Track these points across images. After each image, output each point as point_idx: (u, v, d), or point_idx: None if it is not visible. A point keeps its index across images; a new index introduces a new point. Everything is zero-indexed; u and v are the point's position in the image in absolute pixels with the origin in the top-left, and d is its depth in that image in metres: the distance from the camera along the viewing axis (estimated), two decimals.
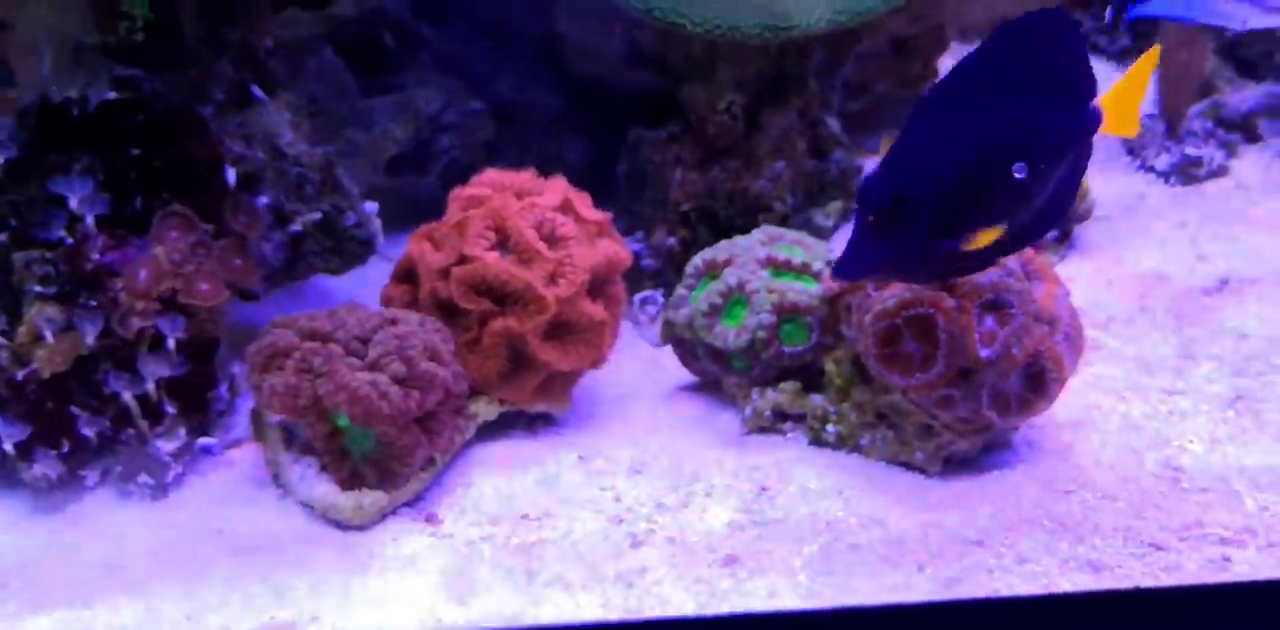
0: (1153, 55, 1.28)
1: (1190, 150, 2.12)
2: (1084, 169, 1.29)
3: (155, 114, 1.40)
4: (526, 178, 1.51)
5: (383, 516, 1.39)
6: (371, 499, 1.37)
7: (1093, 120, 1.24)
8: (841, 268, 1.17)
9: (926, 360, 1.36)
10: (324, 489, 1.38)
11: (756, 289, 1.48)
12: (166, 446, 1.42)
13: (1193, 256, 1.92)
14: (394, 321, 1.39)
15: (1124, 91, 1.26)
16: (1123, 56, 2.52)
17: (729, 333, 1.49)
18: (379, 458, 1.37)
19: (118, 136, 1.41)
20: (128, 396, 1.39)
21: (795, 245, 1.55)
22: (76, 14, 1.30)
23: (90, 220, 1.39)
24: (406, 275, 1.49)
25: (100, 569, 1.31)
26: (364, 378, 1.33)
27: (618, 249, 1.50)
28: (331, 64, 1.71)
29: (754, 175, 1.75)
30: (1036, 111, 1.19)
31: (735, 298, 1.50)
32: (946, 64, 2.29)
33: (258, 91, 1.49)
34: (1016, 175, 1.17)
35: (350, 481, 1.38)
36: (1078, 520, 1.35)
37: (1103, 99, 1.24)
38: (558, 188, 1.50)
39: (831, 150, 1.87)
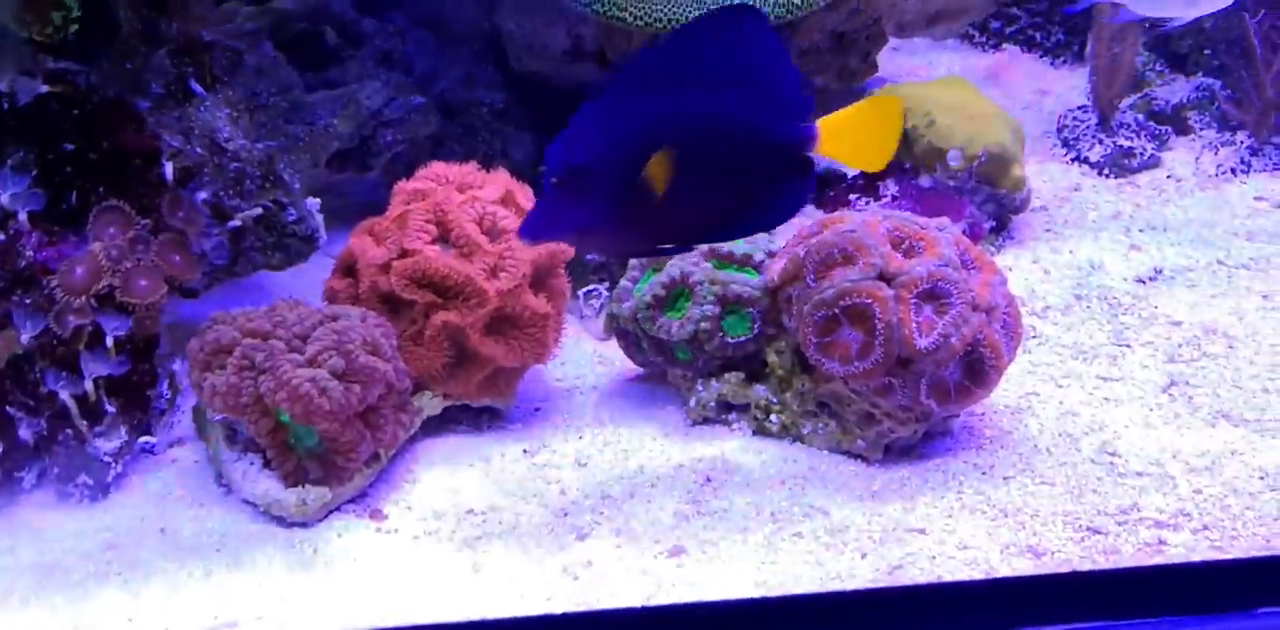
0: (890, 101, 1.26)
1: (1123, 142, 2.15)
2: (808, 186, 1.26)
3: (90, 108, 1.39)
4: (469, 171, 1.51)
5: (327, 512, 1.38)
6: (315, 495, 1.36)
7: (800, 137, 1.21)
8: (525, 228, 1.17)
9: (865, 349, 1.38)
10: (267, 485, 1.37)
11: (699, 280, 1.49)
12: (106, 446, 1.40)
13: (1127, 246, 1.95)
14: (334, 317, 1.39)
15: (845, 120, 1.23)
16: (1058, 50, 2.56)
17: (673, 324, 1.50)
18: (322, 453, 1.36)
19: (51, 131, 1.39)
20: (65, 396, 1.37)
21: None
22: (6, 5, 1.28)
23: (23, 216, 1.37)
24: (349, 269, 1.48)
25: (38, 572, 1.29)
26: (305, 374, 1.32)
27: None
28: (272, 58, 1.69)
29: None
30: (728, 108, 1.18)
31: (678, 289, 1.51)
32: (888, 65, 2.32)
33: (196, 86, 1.48)
34: (700, 165, 1.18)
35: (294, 477, 1.37)
36: (1018, 506, 1.37)
37: (824, 120, 1.21)
38: (499, 181, 1.50)
39: None
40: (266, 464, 1.39)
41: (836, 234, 1.41)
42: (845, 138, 1.23)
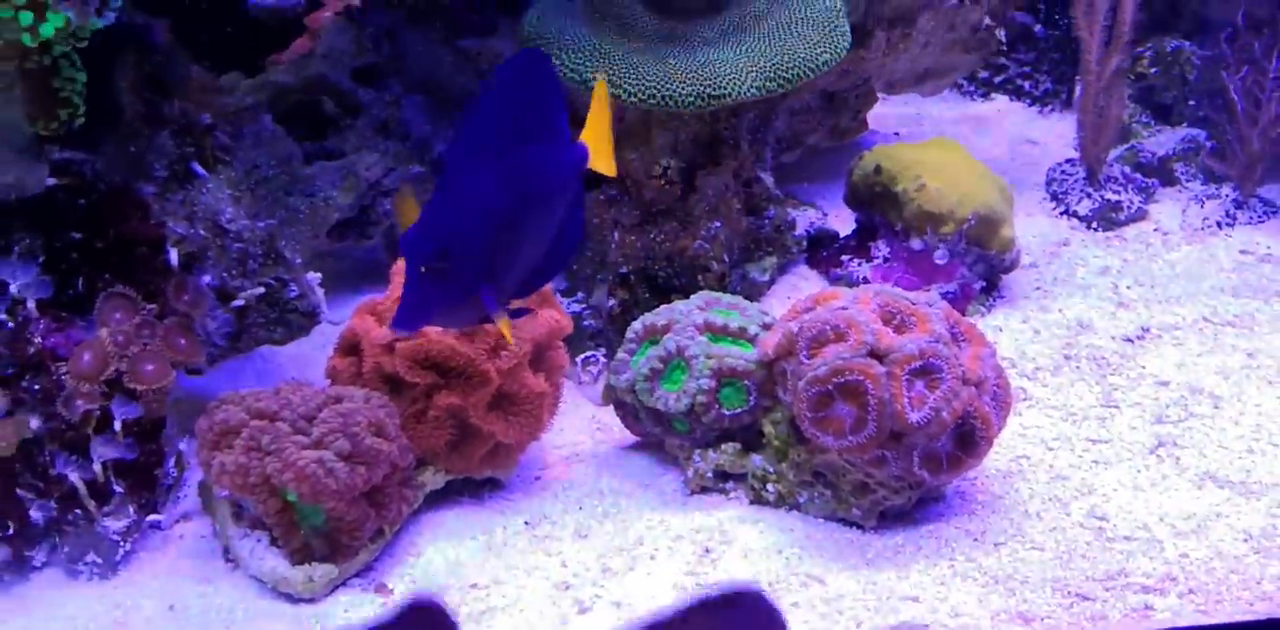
0: (601, 88, 1.32)
1: (1110, 195, 2.18)
2: (582, 203, 1.35)
3: (96, 197, 1.42)
4: None
5: (333, 588, 1.41)
6: (322, 572, 1.39)
7: (579, 157, 1.30)
8: (401, 320, 1.21)
9: (858, 423, 1.40)
10: (274, 563, 1.40)
11: (695, 354, 1.52)
12: (115, 525, 1.43)
13: (1114, 304, 1.98)
14: (339, 399, 1.41)
15: (596, 128, 1.31)
16: (1045, 98, 2.60)
17: (670, 397, 1.53)
18: (328, 532, 1.39)
19: (58, 219, 1.42)
20: (75, 478, 1.39)
21: (732, 310, 1.59)
22: (15, 104, 1.31)
23: (32, 304, 1.40)
24: (351, 348, 1.51)
25: None
26: (311, 455, 1.35)
27: (559, 318, 1.53)
28: (271, 131, 1.72)
29: (691, 236, 1.79)
30: (539, 153, 1.25)
31: (675, 363, 1.54)
32: (879, 116, 2.36)
33: (198, 168, 1.51)
34: (530, 222, 1.25)
35: (300, 554, 1.39)
36: (1009, 573, 1.40)
37: (584, 135, 1.30)
38: None
39: (765, 207, 1.91)
40: (273, 541, 1.41)
41: (829, 310, 1.44)
42: (602, 146, 1.32)
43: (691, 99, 1.64)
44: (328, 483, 1.35)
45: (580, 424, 1.74)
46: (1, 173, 1.33)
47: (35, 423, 1.39)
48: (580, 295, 1.84)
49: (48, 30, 1.27)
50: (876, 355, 1.41)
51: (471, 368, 1.43)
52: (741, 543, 1.46)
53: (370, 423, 1.39)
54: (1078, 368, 1.81)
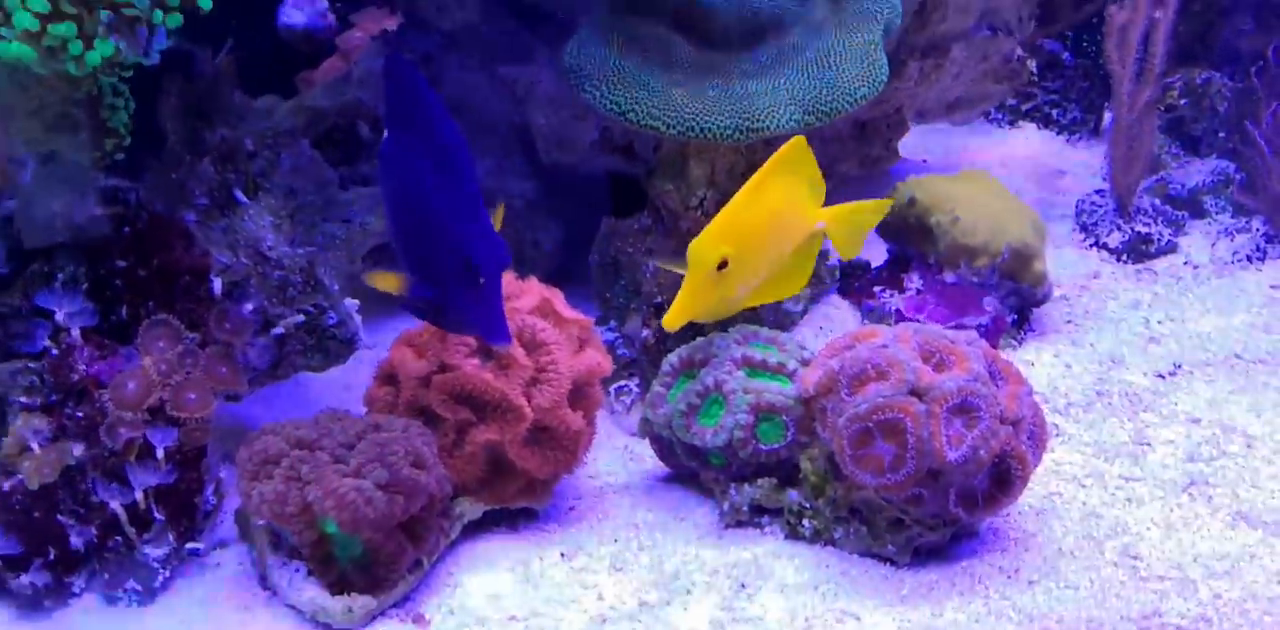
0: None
1: (1140, 228, 2.19)
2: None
3: (141, 226, 1.42)
4: (506, 281, 1.53)
5: (371, 618, 1.41)
6: (361, 603, 1.39)
7: None
8: (502, 336, 1.32)
9: (897, 461, 1.41)
10: (313, 593, 1.40)
11: (733, 389, 1.52)
12: (154, 553, 1.43)
13: (1146, 339, 1.98)
14: (377, 427, 1.42)
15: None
16: (1074, 127, 2.61)
17: (707, 431, 1.53)
18: (366, 563, 1.39)
19: (103, 248, 1.43)
20: (116, 505, 1.40)
21: (770, 344, 1.59)
22: (63, 135, 1.32)
23: (76, 332, 1.40)
24: (389, 378, 1.51)
25: None
26: (350, 484, 1.36)
27: (600, 359, 1.53)
28: (309, 157, 1.73)
29: None
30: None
31: (712, 397, 1.54)
32: (907, 143, 2.36)
33: (240, 195, 1.52)
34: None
35: (338, 586, 1.40)
36: (1043, 612, 1.40)
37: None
38: (533, 289, 1.54)
39: None
40: (311, 572, 1.41)
41: (870, 349, 1.45)
42: None
43: (730, 132, 1.64)
44: (366, 511, 1.35)
45: (613, 454, 1.74)
46: (51, 202, 1.34)
47: (78, 449, 1.39)
48: (613, 324, 1.84)
49: (94, 59, 1.28)
50: (916, 393, 1.41)
51: (505, 403, 1.44)
52: (777, 578, 1.47)
53: (408, 452, 1.39)
54: (1110, 404, 1.81)
